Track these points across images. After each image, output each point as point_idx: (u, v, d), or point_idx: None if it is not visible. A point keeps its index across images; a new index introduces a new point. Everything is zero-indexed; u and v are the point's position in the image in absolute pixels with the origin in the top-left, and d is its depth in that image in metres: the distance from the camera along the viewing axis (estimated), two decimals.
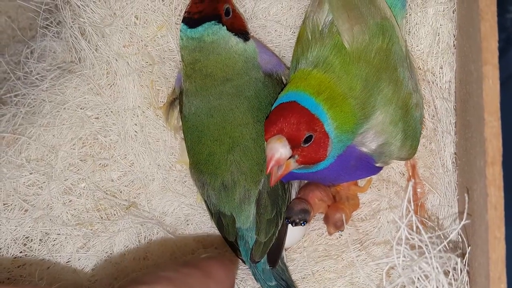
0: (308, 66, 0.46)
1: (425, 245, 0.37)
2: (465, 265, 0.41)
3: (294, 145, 0.42)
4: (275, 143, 0.41)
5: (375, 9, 0.46)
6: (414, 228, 0.38)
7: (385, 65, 0.46)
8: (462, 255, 0.42)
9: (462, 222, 0.37)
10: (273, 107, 0.44)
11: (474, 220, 0.39)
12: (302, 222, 0.49)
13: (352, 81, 0.45)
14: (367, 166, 0.47)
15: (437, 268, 0.37)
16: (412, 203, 0.37)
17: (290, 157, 0.42)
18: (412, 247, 0.40)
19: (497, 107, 0.33)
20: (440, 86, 0.49)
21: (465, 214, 0.38)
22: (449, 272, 0.39)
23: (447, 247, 0.41)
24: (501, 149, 0.33)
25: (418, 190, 0.51)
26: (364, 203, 0.55)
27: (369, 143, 0.46)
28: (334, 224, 0.52)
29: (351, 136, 0.45)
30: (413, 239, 0.38)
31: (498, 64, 0.32)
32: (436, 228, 0.44)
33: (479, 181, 0.36)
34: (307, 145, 0.42)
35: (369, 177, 0.54)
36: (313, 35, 0.47)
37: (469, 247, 0.40)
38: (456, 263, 0.39)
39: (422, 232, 0.37)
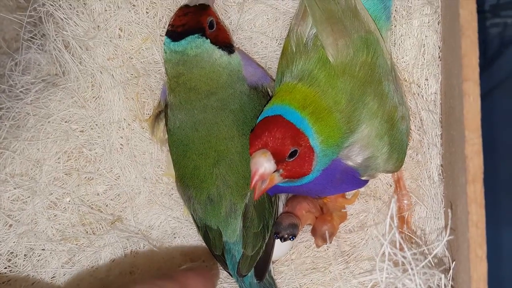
0: (293, 79, 0.46)
1: (408, 262, 0.36)
2: (449, 280, 0.40)
3: (278, 159, 0.41)
4: (259, 158, 0.41)
5: (359, 23, 0.46)
6: (398, 244, 0.38)
7: (370, 79, 0.45)
8: (448, 270, 0.42)
9: (445, 238, 0.37)
10: (258, 120, 0.44)
11: (457, 236, 0.39)
12: (291, 237, 0.49)
13: (337, 95, 0.44)
14: (353, 179, 0.47)
15: (420, 285, 0.37)
16: (395, 220, 0.37)
17: (274, 171, 0.42)
18: (396, 263, 0.39)
19: (478, 124, 0.32)
20: (426, 98, 0.49)
21: (447, 230, 0.37)
22: None
23: (432, 262, 0.41)
24: (482, 167, 0.33)
25: (405, 202, 0.51)
26: (352, 215, 0.54)
27: (354, 156, 0.46)
28: (321, 237, 0.52)
29: (336, 150, 0.45)
30: (396, 255, 0.37)
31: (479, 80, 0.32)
32: (421, 243, 0.44)
33: (462, 197, 0.35)
34: (292, 159, 0.42)
35: (356, 189, 0.54)
36: (297, 48, 0.47)
37: (454, 263, 0.40)
38: (440, 279, 0.39)
39: (405, 249, 0.37)
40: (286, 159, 0.42)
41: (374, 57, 0.45)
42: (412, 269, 0.37)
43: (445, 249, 0.44)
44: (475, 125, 0.33)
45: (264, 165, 0.41)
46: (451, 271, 0.41)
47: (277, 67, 0.50)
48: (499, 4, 0.94)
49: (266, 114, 0.44)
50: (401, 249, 0.38)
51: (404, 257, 0.38)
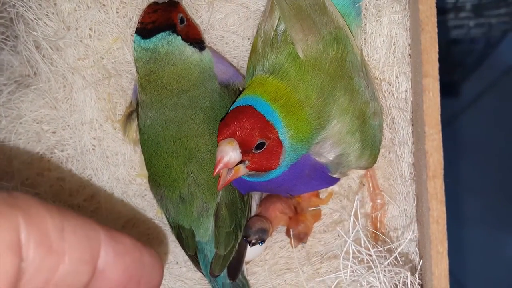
0: (265, 73, 0.45)
1: (372, 260, 0.36)
2: (416, 278, 0.40)
3: (245, 150, 0.41)
4: (225, 146, 0.41)
5: (328, 19, 0.45)
6: (362, 242, 0.37)
7: (340, 74, 0.45)
8: (416, 268, 0.42)
9: (408, 236, 0.36)
10: (229, 110, 0.44)
11: (423, 233, 0.39)
12: (259, 242, 0.49)
13: (308, 90, 0.44)
14: (322, 176, 0.47)
15: (384, 282, 0.37)
16: (359, 217, 0.36)
17: (240, 162, 0.42)
18: (363, 261, 0.39)
19: (437, 120, 0.32)
20: (396, 96, 0.48)
21: (412, 228, 0.37)
22: (396, 286, 0.38)
23: (400, 260, 0.40)
24: (442, 163, 0.33)
25: (378, 201, 0.50)
26: (326, 214, 0.54)
27: (326, 153, 0.45)
28: (296, 237, 0.52)
29: (306, 145, 0.44)
30: (360, 253, 0.37)
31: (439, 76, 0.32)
32: (389, 241, 0.43)
33: (424, 194, 0.35)
34: (259, 151, 0.42)
35: (330, 189, 0.53)
36: (266, 43, 0.46)
37: (421, 260, 0.40)
38: (406, 277, 0.38)
39: (369, 246, 0.36)
40: (253, 151, 0.42)
41: (344, 52, 0.45)
42: (376, 266, 0.36)
43: (416, 247, 0.44)
44: (434, 120, 0.32)
45: (229, 153, 0.40)
46: (418, 268, 0.41)
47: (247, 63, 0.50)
48: (481, 4, 0.94)
49: (238, 104, 0.43)
50: (368, 247, 0.38)
51: (370, 255, 0.38)
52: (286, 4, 0.45)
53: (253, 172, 0.43)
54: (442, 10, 0.93)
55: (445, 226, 0.32)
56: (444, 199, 0.32)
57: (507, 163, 1.00)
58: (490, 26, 1.02)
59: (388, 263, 0.37)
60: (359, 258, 0.38)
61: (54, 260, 0.24)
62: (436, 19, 0.33)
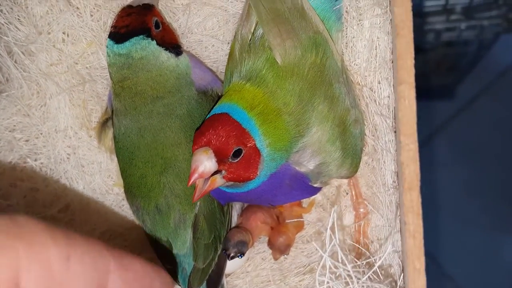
0: (242, 79, 0.44)
1: (349, 275, 0.34)
2: None
3: (221, 158, 0.39)
4: (200, 155, 0.39)
5: (306, 23, 0.44)
6: (340, 257, 0.36)
7: (319, 81, 0.43)
8: (397, 283, 0.40)
9: (387, 250, 0.35)
10: (205, 118, 0.42)
11: (403, 249, 0.37)
12: (239, 255, 0.47)
13: (286, 97, 0.43)
14: (302, 186, 0.45)
15: None
16: (336, 231, 0.35)
17: (217, 173, 0.40)
18: (340, 277, 0.37)
19: (413, 129, 0.31)
20: (379, 102, 0.47)
21: (391, 240, 0.35)
22: None
23: (380, 275, 0.39)
24: (419, 174, 0.31)
25: (361, 210, 0.49)
26: (309, 224, 0.52)
27: (306, 162, 0.44)
28: (278, 249, 0.50)
29: (284, 154, 0.43)
30: (337, 268, 0.35)
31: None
32: (369, 254, 0.42)
33: (402, 206, 0.33)
34: (235, 160, 0.40)
35: (312, 198, 0.52)
36: (243, 48, 0.45)
37: (402, 275, 0.38)
38: None
39: (346, 261, 0.35)
40: (230, 159, 0.40)
41: (324, 58, 0.44)
42: (353, 282, 0.35)
43: (399, 259, 0.43)
44: (410, 129, 0.31)
45: (204, 162, 0.39)
46: (399, 283, 0.39)
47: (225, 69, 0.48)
48: (471, 6, 0.93)
49: (214, 112, 0.42)
50: (345, 262, 0.36)
51: (347, 271, 0.36)
52: (264, 8, 0.44)
53: (231, 182, 0.42)
54: (431, 13, 0.92)
55: (422, 241, 0.31)
56: (421, 212, 0.31)
57: (504, 165, 0.99)
58: (482, 28, 1.01)
59: (366, 278, 0.36)
60: (337, 274, 0.37)
61: None
62: (412, 23, 0.32)
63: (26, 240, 0.23)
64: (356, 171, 0.46)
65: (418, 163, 0.31)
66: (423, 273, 0.31)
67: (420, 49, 1.05)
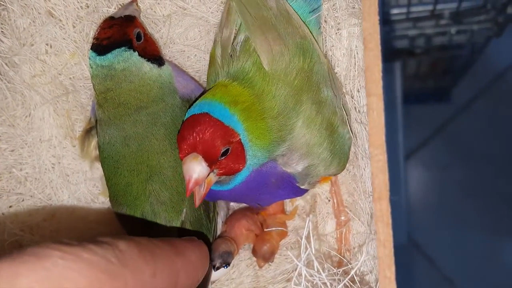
0: (229, 78, 0.44)
1: (323, 283, 0.35)
2: None
3: (211, 161, 0.39)
4: (191, 163, 0.39)
5: (293, 29, 0.44)
6: (315, 266, 0.36)
7: (307, 86, 0.44)
8: None
9: (362, 258, 0.35)
10: (184, 119, 0.42)
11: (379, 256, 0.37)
12: (224, 265, 0.47)
13: (271, 101, 0.43)
14: (289, 186, 0.45)
15: None
16: (311, 240, 0.35)
17: (209, 173, 0.40)
18: (317, 285, 0.38)
19: (382, 140, 0.31)
20: (358, 110, 0.47)
21: (367, 248, 0.36)
22: None
23: (357, 281, 0.39)
24: (388, 184, 0.31)
25: (342, 218, 0.49)
26: (292, 231, 0.53)
27: (295, 165, 0.44)
28: (262, 257, 0.51)
29: (265, 154, 0.43)
30: (312, 276, 0.35)
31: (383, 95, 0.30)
32: (346, 261, 0.42)
33: (374, 215, 0.34)
34: (224, 157, 0.40)
35: (295, 205, 0.52)
36: (225, 54, 0.45)
37: (378, 283, 0.38)
38: None
39: (320, 270, 0.35)
40: (219, 159, 0.40)
41: (311, 63, 0.44)
42: None
43: (375, 268, 0.43)
44: (379, 141, 0.31)
45: (196, 170, 0.39)
46: None
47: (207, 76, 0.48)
48: (459, 12, 0.93)
49: (193, 112, 0.41)
50: (320, 271, 0.36)
51: (322, 278, 0.36)
52: (250, 15, 0.44)
53: (223, 177, 0.42)
54: (420, 19, 0.93)
55: (392, 250, 0.31)
56: (390, 221, 0.31)
57: (501, 166, 0.99)
58: (472, 32, 1.02)
59: (342, 285, 0.36)
60: (314, 282, 0.37)
61: None
62: (379, 37, 0.32)
63: (130, 267, 0.29)
64: (344, 167, 0.46)
65: (387, 174, 0.31)
66: (393, 281, 0.31)
67: (411, 52, 1.06)
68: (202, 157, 0.39)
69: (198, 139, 0.39)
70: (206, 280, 0.49)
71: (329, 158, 0.44)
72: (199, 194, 0.40)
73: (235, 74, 0.44)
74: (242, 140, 0.41)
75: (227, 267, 0.48)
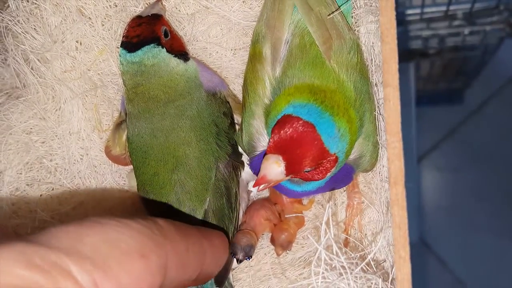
0: (301, 81, 0.44)
1: (341, 266, 0.37)
2: (388, 284, 0.40)
3: (291, 172, 0.40)
4: (272, 165, 0.39)
5: (346, 24, 0.46)
6: (334, 250, 0.38)
7: (366, 75, 0.45)
8: (388, 275, 0.42)
9: (379, 242, 0.37)
10: (284, 110, 0.41)
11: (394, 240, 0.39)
12: (247, 257, 0.50)
13: (347, 91, 0.43)
14: (349, 177, 0.46)
15: None
16: (331, 225, 0.37)
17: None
18: (336, 268, 0.40)
19: (398, 128, 0.33)
20: (377, 102, 0.49)
21: (384, 234, 0.38)
22: None
23: (373, 266, 0.41)
24: (403, 170, 0.33)
25: (356, 200, 0.51)
26: (309, 221, 0.55)
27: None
28: (280, 246, 0.52)
29: (349, 155, 0.44)
30: (332, 260, 0.38)
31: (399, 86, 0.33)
32: (362, 247, 0.44)
33: (389, 201, 0.36)
34: (305, 172, 0.41)
35: (312, 195, 0.54)
36: (276, 56, 0.46)
37: (393, 267, 0.40)
38: (378, 283, 0.39)
39: (339, 253, 0.37)
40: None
41: (363, 56, 0.46)
42: (346, 273, 0.37)
43: (390, 253, 0.45)
44: (395, 129, 0.33)
45: (272, 174, 0.39)
46: (391, 275, 0.41)
47: (233, 76, 0.50)
48: (472, 12, 0.94)
49: (300, 114, 0.40)
50: (341, 253, 0.38)
51: (341, 262, 0.38)
52: (313, 14, 0.45)
53: (297, 178, 0.43)
54: (434, 19, 0.94)
55: (407, 231, 0.33)
56: (405, 204, 0.33)
57: None
58: (485, 33, 1.03)
59: (359, 269, 0.38)
60: (332, 265, 0.39)
61: (181, 273, 0.35)
62: (395, 31, 0.34)
63: (170, 239, 0.34)
64: (376, 164, 0.48)
65: (402, 160, 0.33)
66: (408, 261, 0.33)
67: (424, 53, 1.07)
68: (285, 165, 0.39)
69: (290, 148, 0.39)
70: (227, 267, 0.51)
71: (373, 150, 0.46)
72: (264, 184, 0.41)
73: (304, 77, 0.44)
74: (338, 156, 0.41)
75: (249, 259, 0.50)
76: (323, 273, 0.38)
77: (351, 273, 0.38)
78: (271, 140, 0.40)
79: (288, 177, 0.41)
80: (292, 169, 0.39)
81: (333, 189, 0.48)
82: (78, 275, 0.28)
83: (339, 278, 0.38)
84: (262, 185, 0.40)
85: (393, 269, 0.40)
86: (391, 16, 0.35)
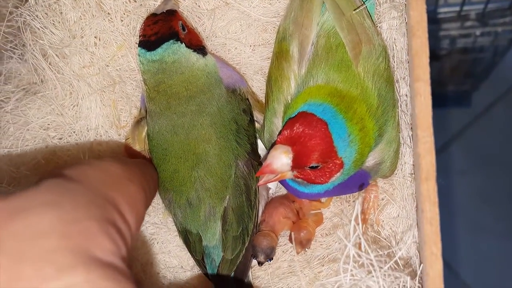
0: (324, 82, 0.44)
1: (371, 264, 0.36)
2: (416, 282, 0.40)
3: (297, 165, 0.40)
4: (280, 154, 0.39)
5: (375, 29, 0.46)
6: (363, 246, 0.38)
7: (391, 81, 0.45)
8: (416, 272, 0.42)
9: (408, 241, 0.37)
10: (300, 108, 0.42)
11: (421, 237, 0.39)
12: (268, 260, 0.49)
13: (370, 98, 0.43)
14: (361, 183, 0.46)
15: (383, 286, 0.37)
16: (360, 222, 0.37)
17: (288, 171, 0.41)
18: (363, 265, 0.39)
19: (429, 123, 0.33)
20: (398, 99, 0.49)
21: (412, 231, 0.37)
22: None
23: (400, 265, 0.40)
24: (435, 165, 0.33)
25: (373, 193, 0.50)
26: (327, 218, 0.54)
27: (367, 161, 0.45)
28: (299, 244, 0.52)
29: (361, 165, 0.44)
30: (361, 257, 0.37)
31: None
32: (389, 245, 0.44)
33: (419, 196, 0.35)
34: (310, 169, 0.41)
35: None
36: (320, 51, 0.46)
37: (421, 265, 0.40)
38: (406, 281, 0.39)
39: (369, 251, 0.37)
40: (305, 168, 0.41)
41: (390, 62, 0.46)
42: (375, 271, 0.37)
43: (417, 251, 0.44)
44: (426, 123, 0.33)
45: (279, 163, 0.39)
46: (418, 272, 0.41)
47: (252, 72, 0.50)
48: (485, 13, 0.94)
49: (315, 111, 0.41)
50: (367, 250, 0.38)
51: (369, 260, 0.38)
52: (345, 19, 0.45)
53: (300, 179, 0.43)
54: (446, 19, 0.94)
55: (439, 227, 0.33)
56: (437, 200, 0.33)
57: None
58: (496, 34, 1.02)
59: (388, 267, 0.38)
60: (360, 262, 0.39)
61: (150, 194, 0.48)
62: (426, 25, 0.34)
63: (136, 167, 0.47)
64: (395, 169, 0.48)
65: (434, 155, 0.33)
66: (439, 258, 0.33)
67: (435, 55, 1.07)
68: (292, 156, 0.40)
69: (301, 140, 0.39)
70: (247, 263, 0.51)
71: (394, 156, 0.45)
72: (267, 178, 0.41)
73: (327, 79, 0.44)
74: (344, 161, 0.41)
75: (270, 261, 0.50)
76: (351, 270, 0.37)
77: (380, 271, 0.38)
78: (282, 131, 0.40)
79: (291, 174, 0.41)
80: (299, 161, 0.40)
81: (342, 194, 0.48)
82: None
83: (367, 276, 0.37)
84: (264, 179, 0.41)
85: (421, 267, 0.40)
86: (422, 10, 0.34)
